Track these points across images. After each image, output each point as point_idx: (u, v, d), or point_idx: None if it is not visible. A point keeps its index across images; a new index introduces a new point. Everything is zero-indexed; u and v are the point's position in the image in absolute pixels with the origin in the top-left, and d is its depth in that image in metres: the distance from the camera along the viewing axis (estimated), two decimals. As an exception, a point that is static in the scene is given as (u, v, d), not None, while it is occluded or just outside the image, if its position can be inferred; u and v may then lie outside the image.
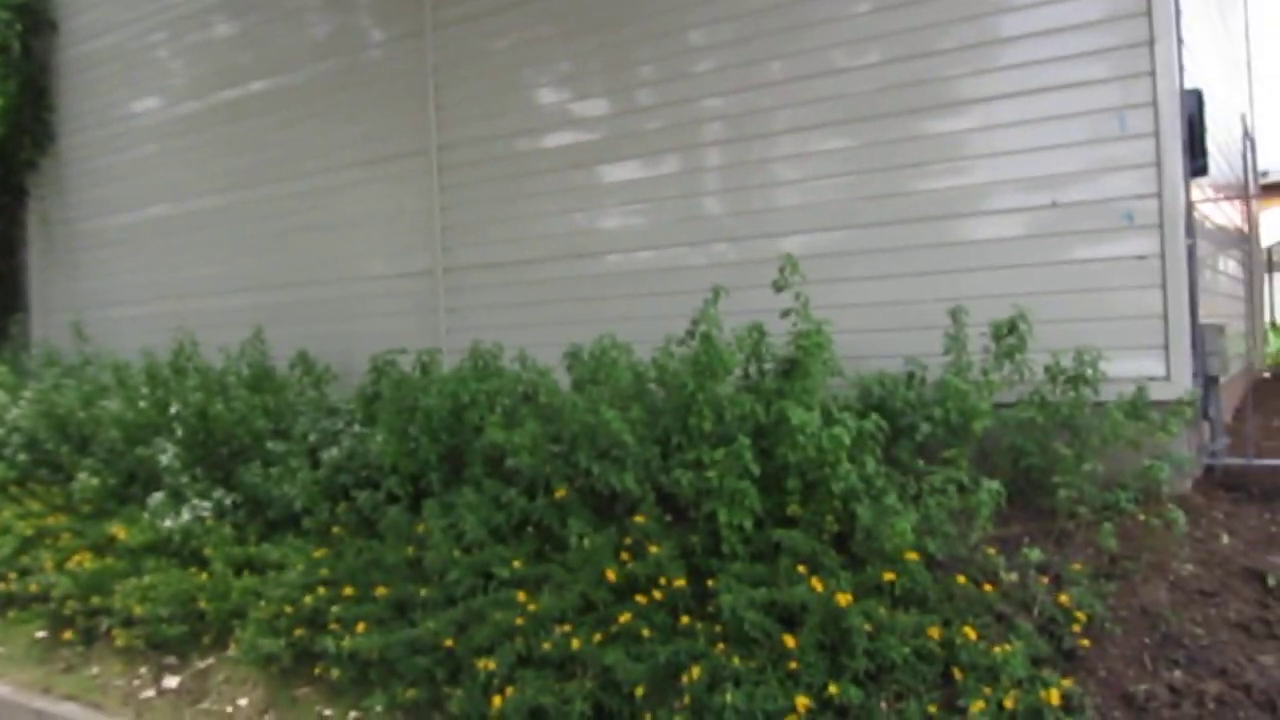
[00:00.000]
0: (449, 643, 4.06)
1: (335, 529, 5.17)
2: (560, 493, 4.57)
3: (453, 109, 6.93)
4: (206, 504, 5.59)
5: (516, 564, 4.38)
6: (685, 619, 3.88)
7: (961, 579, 3.86)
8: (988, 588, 3.85)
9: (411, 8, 7.14)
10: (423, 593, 4.42)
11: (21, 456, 6.88)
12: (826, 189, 5.59)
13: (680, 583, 3.98)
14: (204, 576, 5.11)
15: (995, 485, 4.01)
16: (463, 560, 4.48)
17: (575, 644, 3.80)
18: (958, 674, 3.42)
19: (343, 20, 7.60)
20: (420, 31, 7.09)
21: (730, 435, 4.30)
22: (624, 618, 3.89)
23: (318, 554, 4.93)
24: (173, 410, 6.05)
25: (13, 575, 5.81)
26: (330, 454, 5.51)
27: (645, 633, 3.81)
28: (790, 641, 3.56)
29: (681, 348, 4.81)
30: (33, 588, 5.56)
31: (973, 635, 3.52)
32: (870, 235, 5.45)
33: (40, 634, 5.45)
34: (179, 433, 6.05)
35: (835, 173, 5.56)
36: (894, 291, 5.36)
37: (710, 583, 3.96)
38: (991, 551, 4.01)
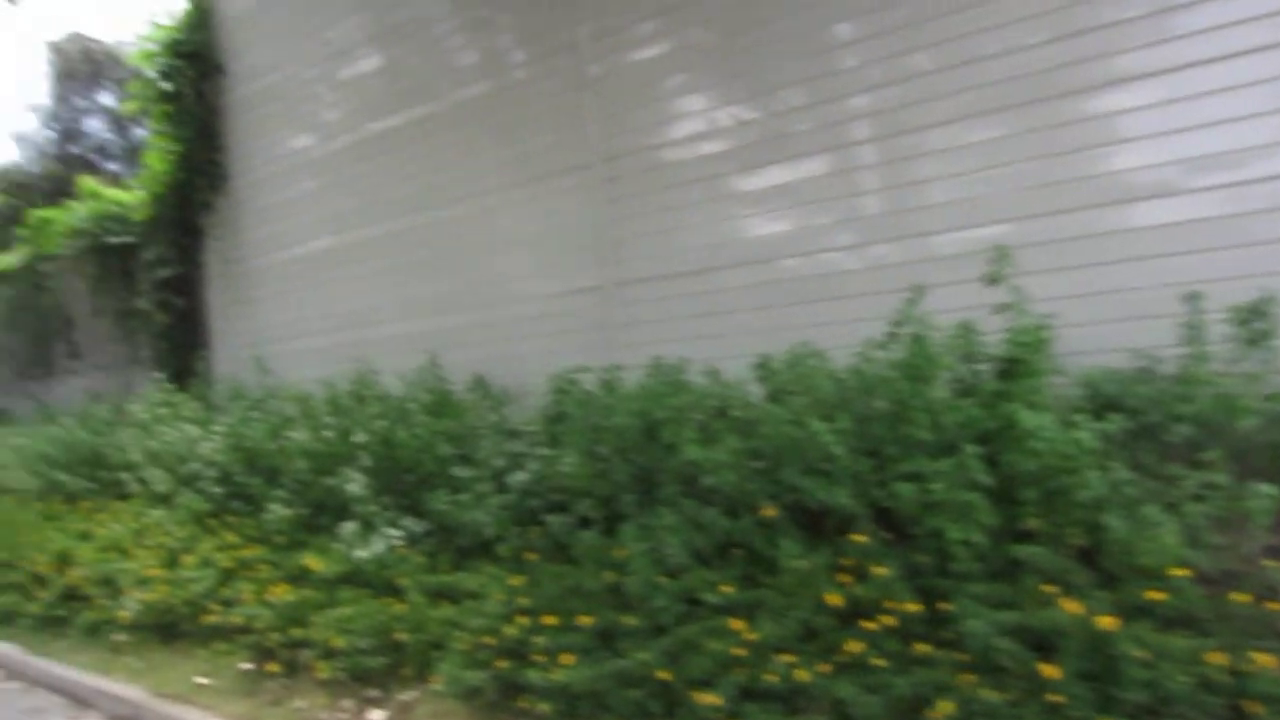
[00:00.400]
0: (663, 674, 3.88)
1: (529, 555, 5.07)
2: (768, 512, 4.33)
3: (614, 120, 6.84)
4: (397, 532, 5.60)
5: (725, 589, 4.17)
6: (921, 646, 3.58)
7: (1239, 596, 3.44)
8: (1272, 606, 3.42)
9: (564, 23, 7.10)
10: (628, 621, 4.26)
11: (215, 489, 7.10)
12: (1023, 174, 5.20)
13: (912, 607, 3.69)
14: (400, 607, 5.10)
15: (1270, 489, 3.57)
16: (667, 586, 4.31)
17: (802, 675, 3.56)
18: (1250, 706, 3.03)
19: (490, 42, 7.64)
20: (574, 45, 7.04)
21: (949, 443, 3.99)
22: (852, 646, 3.63)
23: (514, 581, 4.84)
24: (357, 439, 6.11)
25: (216, 607, 5.97)
26: (517, 478, 5.45)
27: (877, 662, 3.54)
28: (1049, 671, 3.23)
29: (882, 351, 4.53)
30: (235, 619, 5.68)
31: (1264, 661, 3.12)
32: (1073, 221, 5.05)
33: (245, 666, 5.55)
34: (364, 461, 6.11)
35: (1027, 156, 5.18)
36: (1106, 280, 4.94)
37: (945, 606, 3.66)
38: (1272, 564, 3.57)
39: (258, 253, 9.49)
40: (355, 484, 5.88)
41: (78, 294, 11.97)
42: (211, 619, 5.92)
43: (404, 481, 6.03)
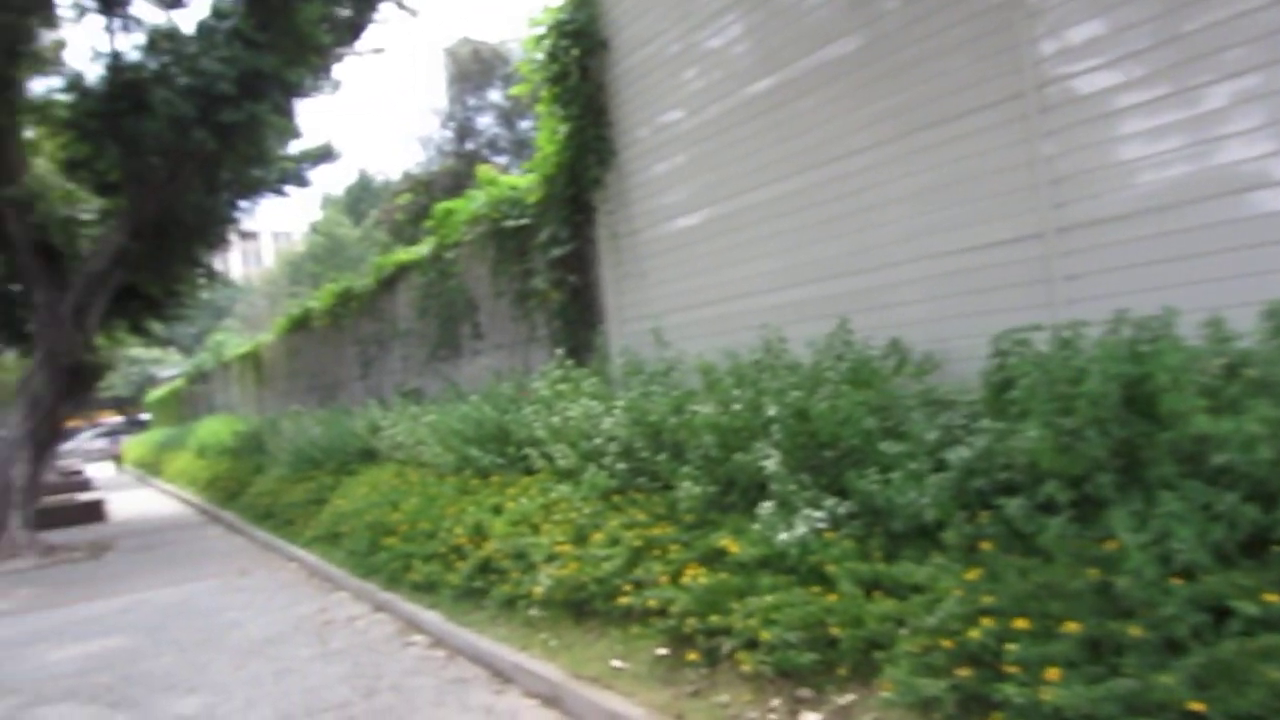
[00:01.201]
0: (1194, 704, 3.09)
1: (982, 544, 4.40)
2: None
3: (1053, 40, 5.91)
4: (819, 514, 5.15)
5: (1269, 597, 3.28)
6: None
7: None
8: None
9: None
10: (1128, 631, 3.49)
11: (620, 465, 7.06)
12: None
13: None
14: (830, 598, 4.64)
15: None
16: (1180, 590, 3.48)
17: None
18: None
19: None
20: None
21: None
22: None
23: (969, 575, 4.20)
24: (770, 412, 5.73)
25: (627, 588, 5.86)
26: (957, 454, 4.78)
27: None
28: None
29: None
30: (650, 602, 5.50)
31: None
32: None
33: (661, 651, 5.36)
34: (777, 436, 5.72)
35: None
36: None
37: None
38: None
39: (647, 225, 9.49)
40: (770, 460, 5.48)
41: (480, 278, 12.75)
42: (624, 600, 5.80)
43: (822, 458, 5.57)
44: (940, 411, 5.39)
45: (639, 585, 5.82)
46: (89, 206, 17.83)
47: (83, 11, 16.21)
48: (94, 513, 20.04)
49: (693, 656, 5.09)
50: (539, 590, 6.54)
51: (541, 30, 10.20)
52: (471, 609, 7.33)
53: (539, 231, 10.76)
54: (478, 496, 8.69)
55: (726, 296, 8.32)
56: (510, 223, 11.36)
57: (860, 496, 5.12)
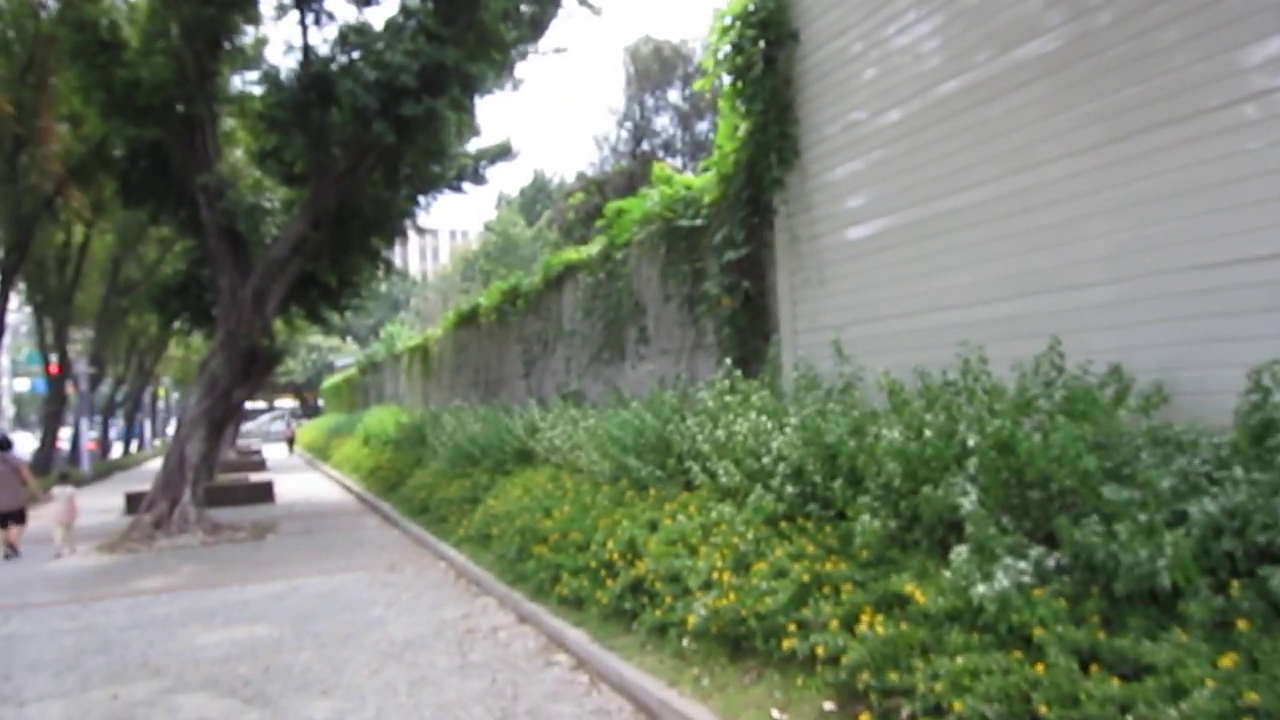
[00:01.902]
0: None
1: (1237, 622, 3.65)
2: None
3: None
4: (1023, 565, 4.46)
5: None
6: None
7: None
8: None
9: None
10: None
11: (789, 488, 6.50)
12: None
13: None
14: (1037, 668, 3.96)
15: None
16: None
17: None
18: None
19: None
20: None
21: None
22: None
23: (1224, 662, 3.46)
24: (968, 442, 5.07)
25: (792, 628, 5.29)
26: (1202, 507, 4.02)
27: None
28: None
29: None
30: (818, 649, 4.92)
31: None
32: None
33: (828, 706, 4.79)
34: (974, 470, 5.05)
35: None
36: None
37: None
38: None
39: (830, 230, 8.87)
40: (967, 498, 4.82)
41: (649, 280, 12.39)
42: (788, 642, 5.24)
43: (1028, 499, 4.86)
44: (1176, 454, 4.61)
45: (805, 627, 5.25)
46: (274, 195, 18.45)
47: (283, 10, 16.79)
48: (263, 494, 20.76)
49: (865, 718, 4.49)
50: (693, 620, 6.05)
51: (728, 20, 9.72)
52: (619, 631, 6.91)
53: (713, 233, 10.29)
54: (633, 510, 8.28)
55: (915, 310, 7.63)
56: (684, 223, 10.93)
57: (1075, 548, 4.41)
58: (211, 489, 19.72)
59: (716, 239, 10.09)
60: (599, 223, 14.07)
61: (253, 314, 16.56)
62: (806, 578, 5.53)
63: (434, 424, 18.24)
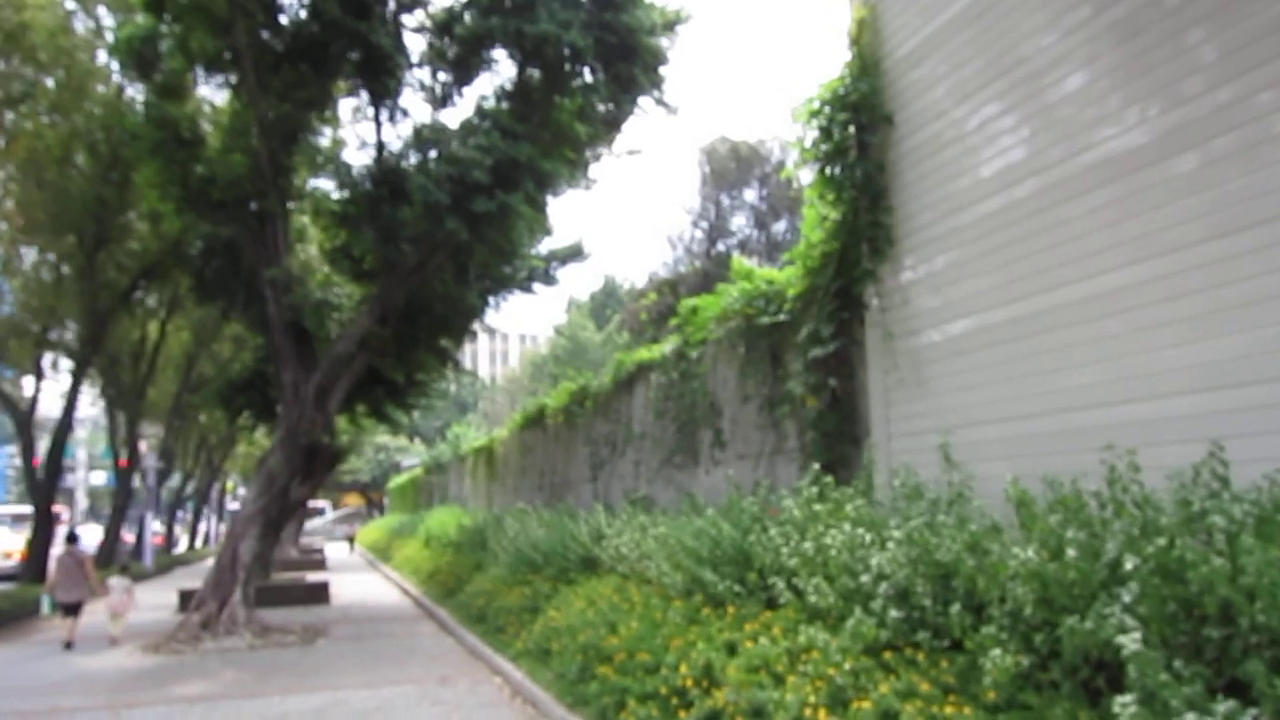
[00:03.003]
0: None
1: None
2: None
3: None
4: (1209, 723, 3.56)
5: None
6: None
7: None
8: None
9: None
10: None
11: (893, 612, 5.64)
12: None
13: None
14: None
15: None
16: None
17: None
18: None
19: None
20: None
21: None
22: None
23: None
24: (1125, 564, 4.21)
25: (907, 784, 4.40)
26: None
27: None
28: None
29: None
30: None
31: None
32: None
33: None
34: (1129, 599, 4.19)
35: None
36: None
37: None
38: None
39: (928, 325, 8.14)
40: (1128, 635, 3.95)
41: (725, 381, 11.71)
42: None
43: (1203, 638, 3.98)
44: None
45: (924, 784, 4.38)
46: (341, 290, 18.26)
47: (359, 111, 16.87)
48: (319, 595, 20.11)
49: None
50: (783, 765, 5.17)
51: (817, 104, 9.19)
52: (696, 772, 6.02)
53: (797, 329, 9.61)
54: (709, 629, 7.44)
55: (1032, 412, 6.81)
56: (765, 319, 10.27)
57: (1273, 704, 3.52)
58: (266, 588, 19.16)
59: (802, 335, 9.40)
60: (673, 321, 13.50)
61: (315, 410, 16.17)
62: (922, 722, 4.66)
63: (496, 527, 17.53)
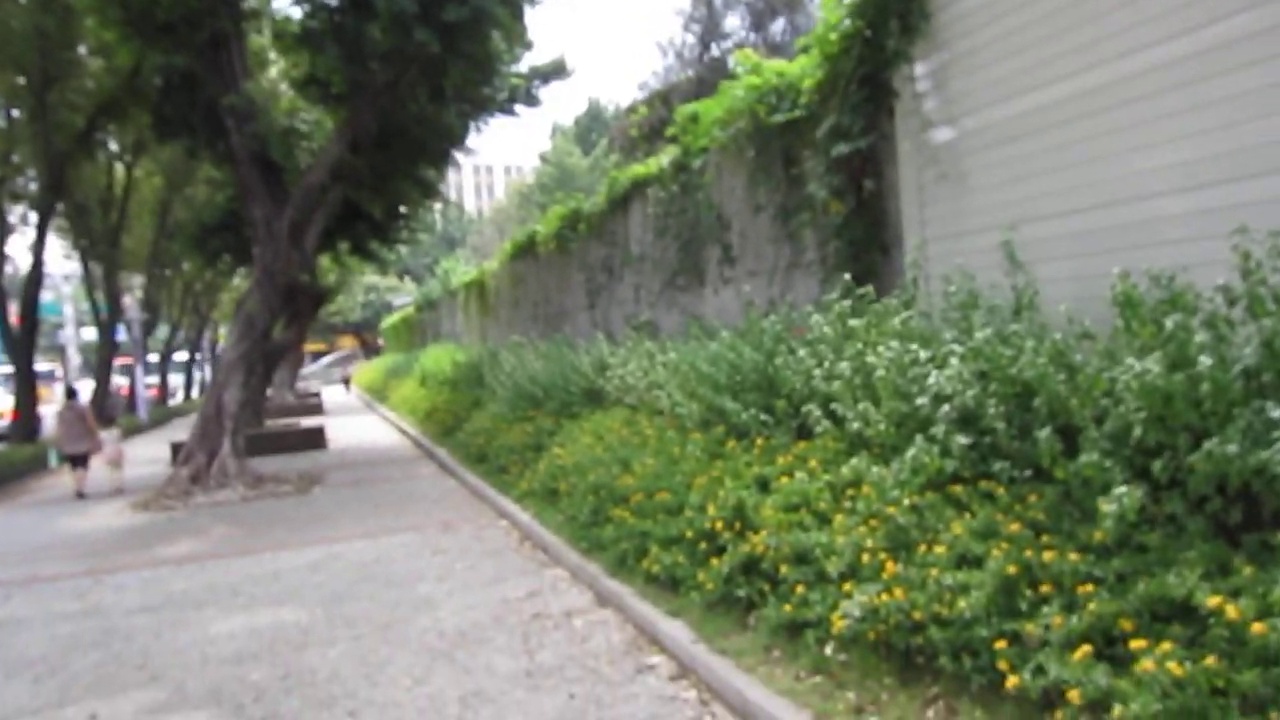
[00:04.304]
0: None
1: None
2: None
3: None
4: None
5: None
6: None
7: None
8: None
9: None
10: None
11: (958, 439, 4.78)
12: None
13: None
14: None
15: None
16: None
17: None
18: None
19: None
20: None
21: None
22: None
23: None
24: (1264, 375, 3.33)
25: (1002, 645, 3.63)
26: None
27: None
28: None
29: None
30: (1072, 693, 3.25)
31: None
32: None
33: (1082, 775, 3.14)
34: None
35: None
36: None
37: None
38: None
39: (971, 110, 7.04)
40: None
41: (732, 191, 10.62)
42: (1001, 664, 3.61)
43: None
44: None
45: (1021, 643, 3.61)
46: (309, 118, 16.88)
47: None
48: (315, 440, 19.53)
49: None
50: (841, 621, 4.43)
51: None
52: (731, 627, 5.31)
53: (816, 126, 8.48)
54: (735, 464, 6.66)
55: (1102, 201, 5.81)
56: (777, 117, 9.10)
57: None
58: (259, 436, 18.56)
59: (822, 131, 8.27)
60: (670, 131, 12.24)
61: (290, 247, 15.11)
62: (1013, 569, 3.86)
63: (492, 362, 16.74)
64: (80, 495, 14.54)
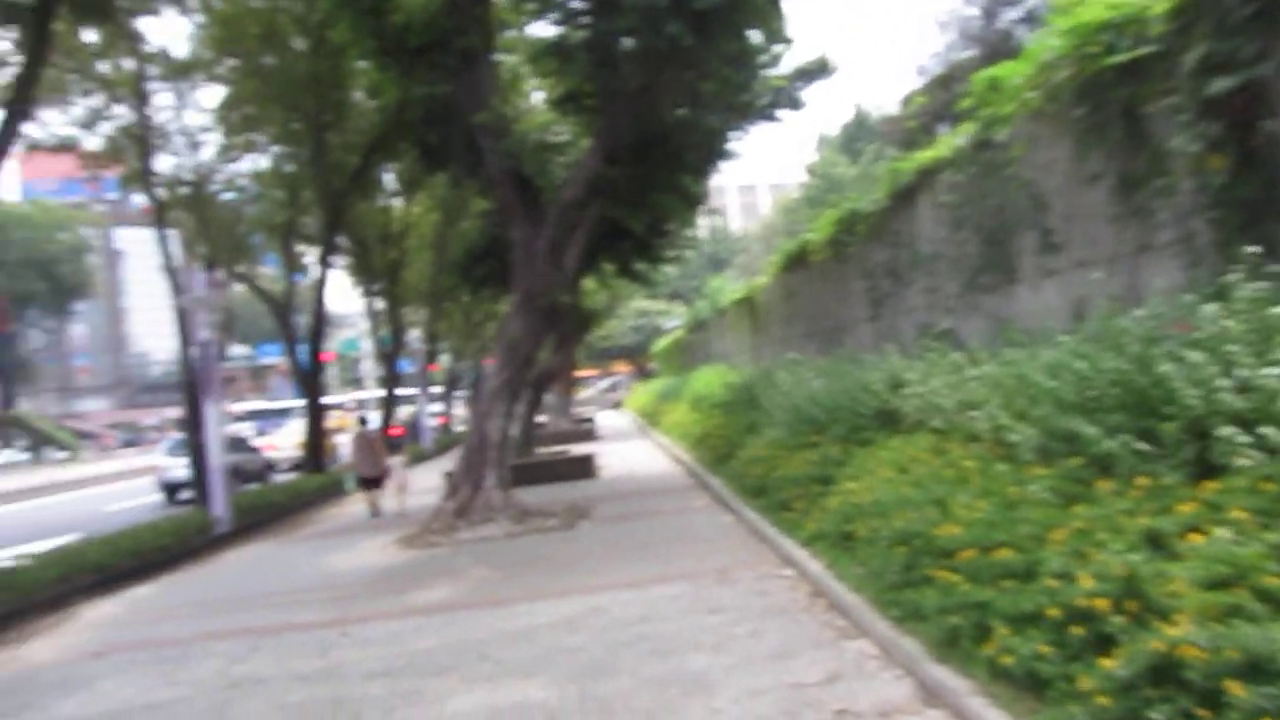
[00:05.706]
0: None
1: None
2: None
3: None
4: None
5: None
6: None
7: None
8: None
9: None
10: None
11: None
12: None
13: None
14: None
15: None
16: None
17: None
18: None
19: None
20: None
21: None
22: None
23: None
24: None
25: None
26: None
27: None
28: None
29: None
30: None
31: None
32: None
33: None
34: None
35: None
36: None
37: None
38: None
39: None
40: None
41: (1051, 164, 8.69)
42: None
43: None
44: None
45: None
46: (561, 129, 16.19)
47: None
48: (584, 469, 18.85)
49: None
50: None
51: None
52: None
53: (1173, 62, 6.52)
54: (1107, 510, 4.89)
55: None
56: (1116, 58, 7.17)
57: None
58: (528, 466, 18.11)
59: (1187, 67, 6.31)
60: (965, 103, 10.41)
61: (550, 268, 14.38)
62: None
63: (766, 382, 15.34)
64: (375, 514, 16.15)
